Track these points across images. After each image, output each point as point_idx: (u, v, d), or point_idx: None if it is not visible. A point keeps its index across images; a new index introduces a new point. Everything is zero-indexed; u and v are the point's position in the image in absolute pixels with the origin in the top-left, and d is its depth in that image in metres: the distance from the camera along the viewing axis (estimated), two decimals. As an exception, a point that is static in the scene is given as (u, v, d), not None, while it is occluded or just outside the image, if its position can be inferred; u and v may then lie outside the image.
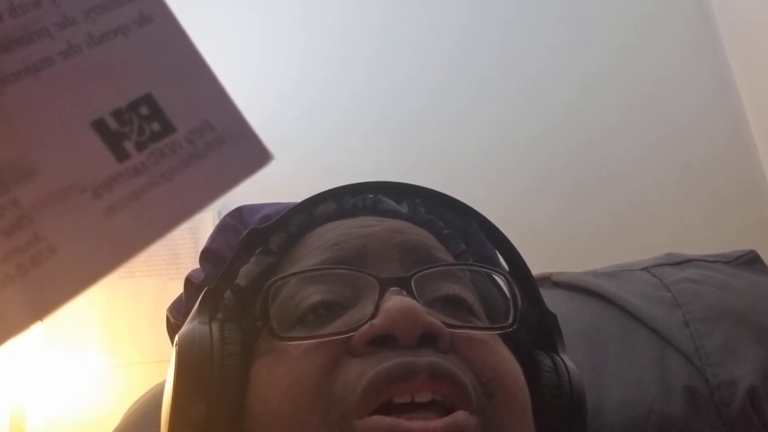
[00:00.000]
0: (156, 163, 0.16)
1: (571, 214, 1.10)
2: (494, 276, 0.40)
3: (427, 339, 0.29)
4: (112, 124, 0.16)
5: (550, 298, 0.40)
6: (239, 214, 0.45)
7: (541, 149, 1.13)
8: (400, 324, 0.29)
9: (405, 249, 0.36)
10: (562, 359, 0.37)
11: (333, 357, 0.30)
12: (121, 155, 0.16)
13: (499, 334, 0.34)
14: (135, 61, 0.17)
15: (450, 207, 0.41)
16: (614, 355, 0.51)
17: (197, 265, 0.45)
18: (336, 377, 0.29)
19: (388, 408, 0.28)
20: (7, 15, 0.15)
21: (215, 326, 0.33)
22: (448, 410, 0.28)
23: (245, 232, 0.38)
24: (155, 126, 0.16)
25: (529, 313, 0.37)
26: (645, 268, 0.59)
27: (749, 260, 0.59)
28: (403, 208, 0.41)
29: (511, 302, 0.34)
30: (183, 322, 0.36)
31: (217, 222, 0.46)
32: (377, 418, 0.27)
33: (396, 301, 0.30)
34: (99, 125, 0.16)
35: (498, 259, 0.42)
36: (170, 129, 0.16)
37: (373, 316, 0.30)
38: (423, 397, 0.28)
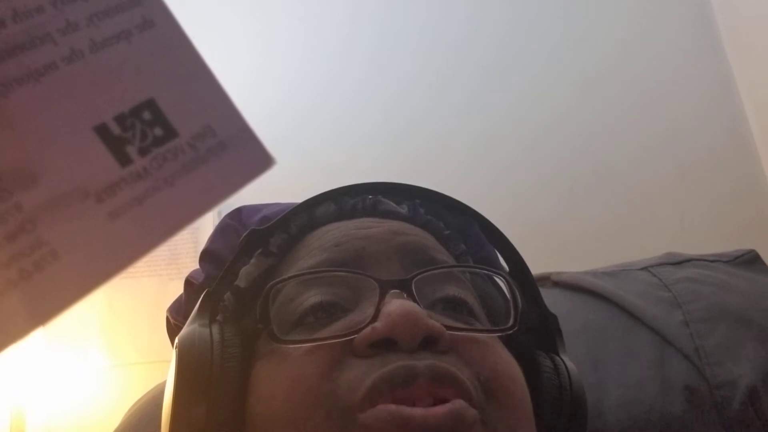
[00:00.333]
0: (158, 168, 0.16)
1: (571, 213, 1.10)
2: (495, 277, 0.40)
3: (428, 342, 0.30)
4: (115, 129, 0.16)
5: (550, 298, 0.40)
6: (239, 214, 0.45)
7: (540, 148, 1.13)
8: (402, 328, 0.29)
9: (405, 250, 0.36)
10: (563, 360, 0.37)
11: (334, 358, 0.30)
12: (124, 160, 0.16)
13: (499, 336, 0.34)
14: (137, 66, 0.17)
15: (450, 207, 0.41)
16: (614, 355, 0.51)
17: (197, 266, 0.45)
18: (338, 375, 0.29)
19: None
20: (10, 21, 0.15)
21: (215, 328, 0.33)
22: None
23: (245, 234, 0.38)
24: (158, 131, 0.16)
25: (529, 313, 0.37)
26: (645, 268, 0.59)
27: (749, 260, 0.59)
28: (403, 209, 0.41)
29: (511, 304, 0.34)
30: (183, 323, 0.36)
31: (217, 222, 0.46)
32: (381, 407, 0.27)
33: (397, 304, 0.30)
34: (102, 130, 0.16)
35: (498, 259, 0.42)
36: (172, 134, 0.17)
37: (375, 318, 0.30)
38: (424, 403, 0.28)
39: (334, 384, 0.29)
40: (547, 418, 0.34)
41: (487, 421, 0.29)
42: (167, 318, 0.46)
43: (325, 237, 0.37)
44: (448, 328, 0.31)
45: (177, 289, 0.45)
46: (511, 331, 0.33)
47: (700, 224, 1.06)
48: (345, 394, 0.28)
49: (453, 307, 0.34)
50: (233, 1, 1.23)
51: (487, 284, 0.40)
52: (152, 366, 1.01)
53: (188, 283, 0.43)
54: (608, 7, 1.18)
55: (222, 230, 0.44)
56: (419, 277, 0.32)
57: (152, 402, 0.53)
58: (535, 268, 0.42)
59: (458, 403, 0.27)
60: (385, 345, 0.29)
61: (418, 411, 0.27)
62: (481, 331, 0.34)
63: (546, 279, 0.61)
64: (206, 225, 1.04)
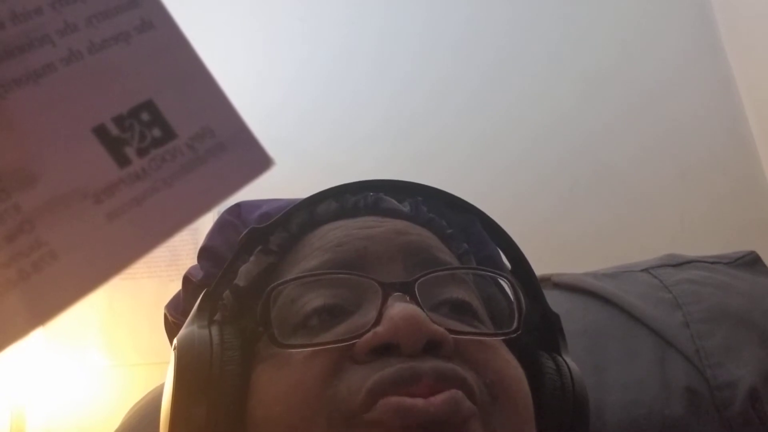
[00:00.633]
0: (157, 169, 0.16)
1: (570, 213, 1.10)
2: (498, 278, 0.40)
3: (431, 346, 0.29)
4: (113, 130, 0.16)
5: (551, 299, 0.40)
6: (238, 210, 0.44)
7: (541, 148, 1.13)
8: (404, 333, 0.29)
9: (407, 251, 0.35)
10: (565, 360, 0.36)
11: (335, 363, 0.30)
12: (123, 161, 0.16)
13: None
14: (136, 67, 0.17)
15: (452, 205, 0.41)
16: (615, 356, 0.51)
17: (197, 265, 0.44)
18: (339, 381, 0.29)
19: None
20: (9, 22, 0.15)
21: (214, 330, 0.33)
22: None
23: (245, 232, 0.37)
24: (156, 132, 0.16)
25: (532, 313, 0.37)
26: (645, 269, 0.59)
27: (749, 261, 0.59)
28: (405, 207, 0.41)
29: (515, 306, 0.34)
30: (181, 321, 0.36)
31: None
32: (383, 401, 0.27)
33: (399, 308, 0.30)
34: (100, 131, 0.16)
35: (501, 257, 0.42)
36: (171, 135, 0.17)
37: (377, 323, 0.30)
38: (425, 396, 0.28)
39: (335, 389, 0.29)
40: (549, 420, 0.34)
41: (488, 423, 0.29)
42: (165, 315, 0.46)
43: (327, 237, 0.37)
44: (452, 332, 0.30)
45: (177, 291, 0.45)
46: (514, 335, 0.33)
47: (700, 224, 1.06)
48: (346, 398, 0.28)
49: (456, 309, 0.34)
50: (234, 2, 1.23)
51: (490, 285, 0.40)
52: (152, 367, 1.01)
53: (186, 280, 0.43)
54: (608, 7, 1.18)
55: (221, 227, 0.43)
56: (422, 279, 0.32)
57: (152, 403, 0.53)
58: (536, 268, 0.41)
59: (456, 392, 0.28)
60: (386, 350, 0.29)
61: (419, 400, 0.27)
62: (485, 335, 0.33)
63: (546, 280, 0.61)
64: (206, 226, 1.03)
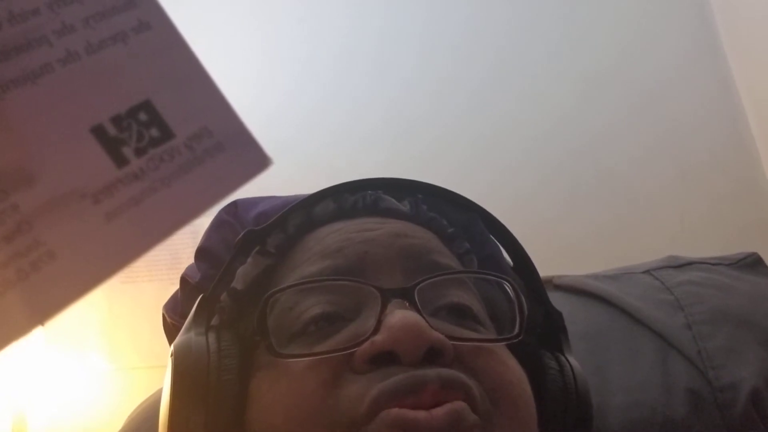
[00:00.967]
0: (155, 169, 0.16)
1: (571, 215, 1.09)
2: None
3: (432, 354, 0.29)
4: (111, 130, 0.16)
5: (552, 302, 0.40)
6: (234, 209, 0.43)
7: (541, 150, 1.13)
8: (403, 341, 0.28)
9: (407, 255, 0.35)
10: (568, 360, 0.36)
11: (334, 373, 0.29)
12: (121, 161, 0.16)
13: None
14: (133, 67, 0.17)
15: (453, 203, 0.40)
16: (616, 358, 0.51)
17: (196, 268, 0.44)
18: (339, 392, 0.29)
19: None
20: (6, 23, 0.16)
21: (212, 337, 0.32)
22: None
23: (242, 234, 0.37)
24: (154, 132, 0.16)
25: (534, 312, 0.37)
26: (647, 271, 0.59)
27: (751, 263, 0.59)
28: (405, 207, 0.40)
29: (516, 309, 0.34)
30: (179, 322, 0.36)
31: (215, 221, 0.44)
32: (384, 413, 0.27)
33: (398, 317, 0.29)
34: (98, 131, 0.16)
35: (503, 255, 0.42)
36: (169, 135, 0.17)
37: (375, 331, 0.29)
38: (427, 407, 0.27)
39: (336, 400, 0.28)
40: (552, 419, 0.34)
41: (489, 430, 0.28)
42: (163, 316, 0.45)
43: (326, 241, 0.36)
44: (452, 338, 0.30)
45: (175, 291, 0.45)
46: (516, 340, 0.33)
47: (700, 225, 1.06)
48: (348, 409, 0.28)
49: (457, 313, 0.34)
50: (234, 5, 1.24)
51: (492, 287, 0.40)
52: (153, 370, 1.01)
53: (184, 280, 0.42)
54: (608, 8, 1.18)
55: (217, 226, 0.43)
56: (422, 284, 0.32)
57: (154, 406, 0.53)
58: (537, 269, 0.41)
59: (458, 404, 0.27)
60: (386, 359, 0.29)
61: (421, 413, 0.26)
62: (486, 340, 0.33)
63: (548, 282, 0.61)
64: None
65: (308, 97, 1.19)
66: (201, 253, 0.42)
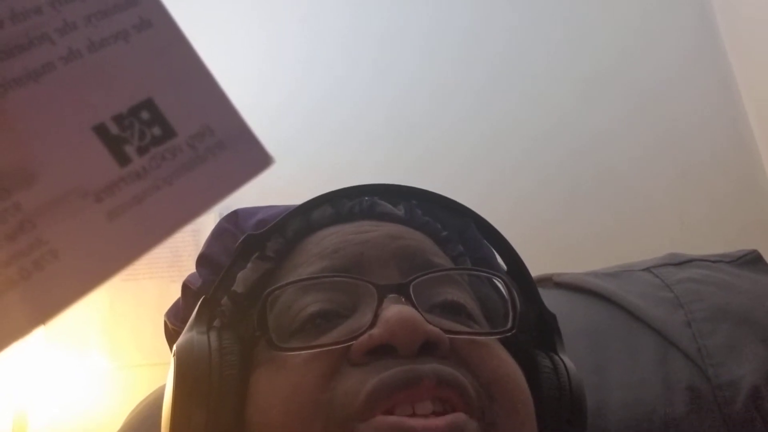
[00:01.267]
0: (157, 168, 0.16)
1: (572, 215, 1.10)
2: (493, 279, 0.40)
3: (427, 347, 0.29)
4: (113, 128, 0.16)
5: (552, 299, 0.40)
6: (235, 217, 0.44)
7: (542, 150, 1.13)
8: (400, 334, 0.29)
9: (402, 255, 0.35)
10: (561, 359, 0.36)
11: (332, 366, 0.30)
12: (123, 160, 0.16)
13: (498, 338, 0.34)
14: (135, 66, 0.17)
15: (447, 208, 0.41)
16: (616, 356, 0.51)
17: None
18: (336, 385, 0.29)
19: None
20: (8, 21, 0.16)
21: (213, 336, 0.33)
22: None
23: (241, 239, 0.37)
24: (156, 130, 0.16)
25: (527, 313, 0.37)
26: (647, 269, 0.59)
27: (751, 260, 0.59)
28: (400, 211, 0.41)
29: (509, 305, 0.34)
30: (181, 328, 0.36)
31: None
32: (380, 418, 0.27)
33: (395, 310, 0.30)
34: (100, 130, 0.16)
35: (496, 259, 0.42)
36: (171, 133, 0.17)
37: (372, 324, 0.30)
38: (424, 408, 0.28)
39: (333, 393, 0.29)
40: (546, 418, 0.34)
41: (489, 426, 0.29)
42: (165, 323, 0.46)
43: (323, 243, 0.37)
44: (447, 332, 0.30)
45: (178, 291, 0.45)
46: (509, 334, 0.33)
47: (700, 225, 1.06)
48: (343, 403, 0.28)
49: (451, 310, 0.34)
50: (237, 5, 1.24)
51: (485, 286, 0.40)
52: (155, 368, 1.01)
53: (185, 287, 0.43)
54: (609, 9, 1.18)
55: (218, 234, 0.44)
56: (417, 281, 0.32)
57: (155, 404, 0.53)
58: (537, 269, 0.42)
59: (459, 416, 0.27)
60: (383, 351, 0.29)
61: (419, 422, 0.27)
62: (480, 334, 0.33)
63: (547, 280, 0.61)
64: (208, 227, 1.04)
65: (309, 96, 1.19)
66: (202, 260, 0.43)
